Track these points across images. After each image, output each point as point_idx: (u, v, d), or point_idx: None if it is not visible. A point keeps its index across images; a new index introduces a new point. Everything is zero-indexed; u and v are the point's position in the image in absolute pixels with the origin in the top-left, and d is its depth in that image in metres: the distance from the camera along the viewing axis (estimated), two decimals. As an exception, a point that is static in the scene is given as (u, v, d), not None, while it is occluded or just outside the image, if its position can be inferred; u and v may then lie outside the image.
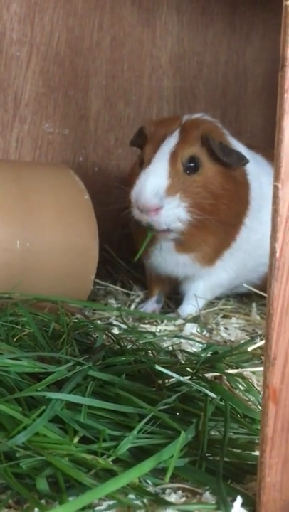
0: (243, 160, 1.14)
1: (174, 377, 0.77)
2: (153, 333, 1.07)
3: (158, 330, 1.12)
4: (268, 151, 1.25)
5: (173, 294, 1.30)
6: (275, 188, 0.54)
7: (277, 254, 0.54)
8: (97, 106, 1.44)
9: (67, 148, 1.41)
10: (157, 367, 0.76)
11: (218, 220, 1.12)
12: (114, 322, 1.12)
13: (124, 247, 1.41)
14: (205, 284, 1.22)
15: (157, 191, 1.08)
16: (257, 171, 1.22)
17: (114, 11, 1.44)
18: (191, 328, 1.12)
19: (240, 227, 1.18)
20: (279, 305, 0.54)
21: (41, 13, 1.35)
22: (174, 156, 1.11)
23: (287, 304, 0.54)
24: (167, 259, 1.18)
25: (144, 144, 1.17)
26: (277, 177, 0.54)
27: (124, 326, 1.10)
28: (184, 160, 1.11)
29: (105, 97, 1.45)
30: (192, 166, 1.12)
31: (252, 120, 1.65)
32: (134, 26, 1.47)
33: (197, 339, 1.06)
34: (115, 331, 1.08)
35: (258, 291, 1.22)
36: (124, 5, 1.45)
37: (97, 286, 1.32)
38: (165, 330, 1.13)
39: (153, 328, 1.12)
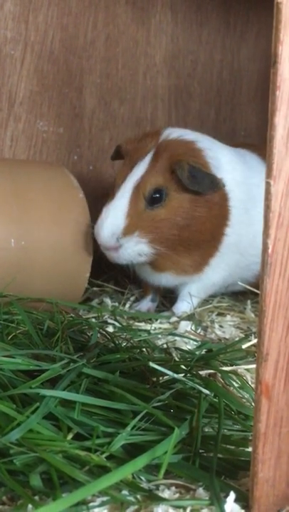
0: (216, 185, 1.12)
1: (168, 375, 0.78)
2: (148, 331, 1.08)
3: (153, 328, 1.12)
4: (264, 149, 1.23)
5: (168, 293, 1.30)
6: (267, 185, 0.54)
7: (270, 250, 0.54)
8: (91, 104, 1.44)
9: (62, 147, 1.41)
10: (151, 364, 0.76)
11: (188, 244, 1.14)
12: (109, 320, 1.12)
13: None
14: (198, 285, 1.23)
15: (114, 232, 1.10)
16: (244, 174, 1.21)
17: (108, 9, 1.44)
18: (186, 326, 1.12)
19: (222, 237, 1.18)
20: (271, 301, 0.54)
21: (35, 12, 1.35)
22: (137, 189, 1.11)
23: (279, 299, 0.55)
24: (150, 276, 1.20)
25: (123, 161, 1.18)
26: (269, 174, 0.54)
27: (118, 325, 1.11)
28: (148, 193, 1.11)
29: (100, 95, 1.45)
30: (157, 197, 1.11)
31: (247, 118, 1.65)
32: (128, 25, 1.47)
33: (191, 337, 1.06)
34: (110, 329, 1.08)
35: (252, 289, 1.23)
36: (119, 3, 1.45)
37: (93, 285, 1.32)
38: (160, 328, 1.13)
39: (148, 326, 1.13)
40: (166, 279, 1.20)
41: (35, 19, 1.35)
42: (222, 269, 1.22)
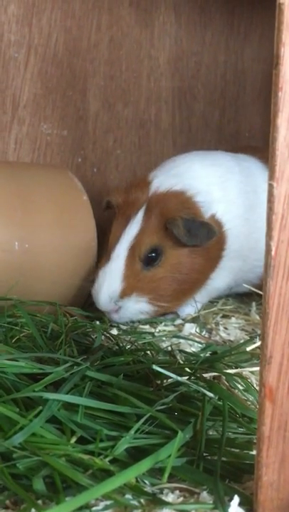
0: (213, 233, 1.10)
1: (172, 377, 0.77)
2: (152, 334, 1.07)
3: (157, 330, 1.12)
4: (266, 151, 1.22)
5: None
6: (270, 187, 0.53)
7: (273, 253, 0.53)
8: (95, 107, 1.44)
9: (66, 150, 1.41)
10: (155, 367, 0.76)
11: (189, 291, 1.14)
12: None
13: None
14: (202, 292, 1.22)
15: (111, 296, 1.09)
16: (239, 187, 1.20)
17: (112, 11, 1.44)
18: (190, 329, 1.12)
19: (219, 259, 1.17)
20: (275, 303, 0.54)
21: (39, 15, 1.35)
22: (132, 250, 1.10)
23: (283, 302, 0.54)
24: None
25: (114, 214, 1.16)
26: (271, 176, 0.53)
27: (123, 327, 1.11)
28: (143, 254, 1.10)
29: (104, 98, 1.45)
30: (153, 256, 1.10)
31: (251, 120, 1.65)
32: (132, 27, 1.47)
33: (196, 339, 1.06)
34: (114, 331, 1.08)
35: (257, 291, 1.22)
36: (122, 6, 1.45)
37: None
38: (164, 330, 1.13)
39: (152, 329, 1.12)
40: None
41: (39, 22, 1.35)
42: (225, 276, 1.22)
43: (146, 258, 1.10)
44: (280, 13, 0.52)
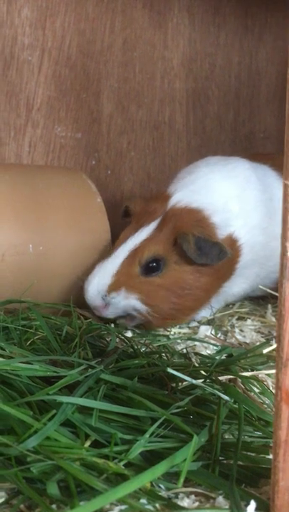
0: (224, 254, 1.07)
1: (186, 380, 0.76)
2: (167, 336, 1.07)
3: (172, 333, 1.11)
4: (278, 159, 1.20)
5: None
6: (285, 187, 0.53)
7: (289, 254, 0.53)
8: (109, 109, 1.44)
9: (80, 152, 1.41)
10: (169, 370, 0.75)
11: (192, 307, 1.11)
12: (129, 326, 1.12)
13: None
14: (218, 296, 1.21)
15: (99, 291, 1.07)
16: (255, 197, 1.18)
17: (125, 13, 1.43)
18: (206, 331, 1.11)
19: (232, 271, 1.15)
20: (291, 305, 0.53)
21: (52, 17, 1.35)
22: (134, 253, 1.08)
23: (299, 304, 0.53)
24: None
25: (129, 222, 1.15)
26: (287, 175, 0.53)
27: (137, 330, 1.10)
28: (144, 260, 1.07)
29: (117, 100, 1.45)
30: (154, 266, 1.08)
31: (266, 121, 1.64)
32: (145, 29, 1.46)
33: (211, 341, 1.05)
34: (129, 334, 1.07)
35: (273, 292, 1.21)
36: (136, 7, 1.45)
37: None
38: (179, 332, 1.12)
39: (167, 332, 1.12)
40: None
41: (53, 25, 1.35)
42: (241, 282, 1.21)
43: (146, 265, 1.07)
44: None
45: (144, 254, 1.08)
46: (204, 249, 1.06)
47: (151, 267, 1.08)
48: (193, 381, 0.75)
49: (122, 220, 1.20)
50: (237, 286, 1.21)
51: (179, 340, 1.04)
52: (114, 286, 1.07)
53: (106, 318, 1.10)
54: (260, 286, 1.23)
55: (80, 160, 1.41)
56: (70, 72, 1.38)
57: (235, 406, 0.73)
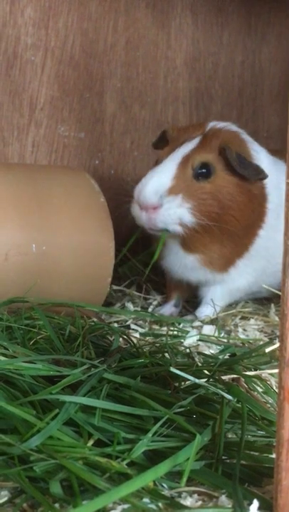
0: (260, 174, 1.12)
1: (189, 380, 0.76)
2: (170, 336, 1.06)
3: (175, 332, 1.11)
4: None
5: (191, 298, 1.29)
6: (287, 185, 0.53)
7: (291, 253, 0.53)
8: (112, 109, 1.44)
9: (83, 152, 1.41)
10: (172, 369, 0.75)
11: (224, 229, 1.12)
12: (132, 326, 1.12)
13: (140, 249, 1.40)
14: (222, 288, 1.21)
15: (158, 189, 1.08)
16: (278, 179, 1.20)
17: (128, 13, 1.43)
18: (209, 331, 1.11)
19: (254, 238, 1.17)
20: (293, 304, 0.53)
21: (55, 17, 1.35)
22: (186, 159, 1.11)
23: (301, 303, 0.53)
24: (176, 260, 1.17)
25: (164, 147, 1.17)
26: (289, 174, 0.53)
27: (141, 330, 1.10)
28: (196, 165, 1.11)
29: (120, 99, 1.45)
30: (204, 172, 1.11)
31: (269, 120, 1.63)
32: (148, 28, 1.46)
33: (213, 340, 1.05)
34: (133, 333, 1.07)
35: (277, 291, 1.21)
36: (139, 7, 1.45)
37: (115, 291, 1.31)
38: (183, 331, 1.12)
39: (171, 332, 1.11)
40: (191, 269, 1.17)
41: (56, 24, 1.35)
42: (248, 273, 1.21)
43: (198, 170, 1.11)
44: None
45: (196, 158, 1.11)
46: (244, 163, 1.11)
47: (202, 173, 1.11)
48: (196, 380, 0.75)
49: (153, 149, 1.24)
50: (243, 278, 1.20)
51: (182, 340, 1.04)
52: (173, 190, 1.09)
53: (149, 228, 1.11)
54: (264, 286, 1.23)
55: (83, 160, 1.41)
56: (73, 72, 1.38)
57: (239, 405, 0.73)
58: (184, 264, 1.17)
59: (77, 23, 1.38)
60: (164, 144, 1.19)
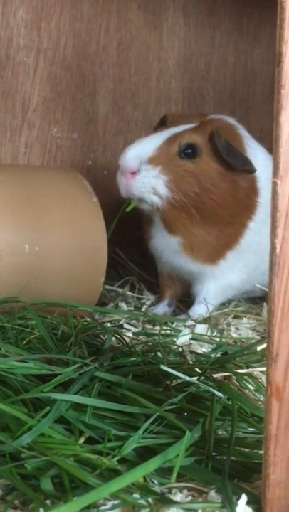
0: (247, 166, 1.13)
1: (180, 378, 0.77)
2: (163, 335, 1.07)
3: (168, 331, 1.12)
4: None
5: (184, 297, 1.29)
6: (274, 184, 0.53)
7: (278, 251, 0.53)
8: (105, 109, 1.45)
9: (76, 153, 1.42)
10: (163, 367, 0.76)
11: (204, 212, 1.13)
12: (126, 325, 1.12)
13: (134, 249, 1.41)
14: (215, 285, 1.22)
15: (139, 155, 1.11)
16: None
17: (120, 14, 1.44)
18: (202, 330, 1.11)
19: (243, 229, 1.18)
20: (280, 301, 0.54)
21: (48, 19, 1.35)
22: (174, 136, 1.13)
23: (288, 300, 0.54)
24: (161, 241, 1.19)
25: None
26: (275, 173, 0.53)
27: (134, 329, 1.10)
28: (182, 144, 1.13)
29: (113, 100, 1.45)
30: (189, 152, 1.13)
31: (261, 120, 1.64)
32: (140, 29, 1.47)
33: (205, 339, 1.06)
34: (126, 332, 1.08)
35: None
36: (131, 9, 1.45)
37: (108, 291, 1.32)
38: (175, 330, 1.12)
39: (163, 331, 1.12)
40: (174, 252, 1.18)
41: (48, 26, 1.36)
42: (240, 269, 1.21)
43: (184, 148, 1.12)
44: (282, 11, 0.52)
45: (185, 138, 1.13)
46: (232, 152, 1.12)
47: (188, 153, 1.13)
48: (187, 378, 0.76)
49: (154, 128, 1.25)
50: (235, 273, 1.21)
51: (174, 339, 1.05)
52: (153, 160, 1.11)
53: (126, 193, 1.12)
54: (257, 285, 1.24)
55: (76, 160, 1.42)
56: (65, 73, 1.39)
57: (229, 403, 0.74)
58: (166, 245, 1.18)
59: (69, 24, 1.38)
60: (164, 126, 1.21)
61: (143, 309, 1.25)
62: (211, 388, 0.75)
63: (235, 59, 1.60)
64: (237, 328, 1.16)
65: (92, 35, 1.41)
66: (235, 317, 1.23)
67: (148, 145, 1.13)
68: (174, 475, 0.58)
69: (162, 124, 1.23)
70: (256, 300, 1.34)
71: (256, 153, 1.20)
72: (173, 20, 1.51)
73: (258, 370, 0.89)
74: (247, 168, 1.14)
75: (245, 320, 1.20)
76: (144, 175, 1.11)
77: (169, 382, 0.80)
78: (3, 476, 0.60)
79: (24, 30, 1.33)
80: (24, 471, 0.59)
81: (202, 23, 1.55)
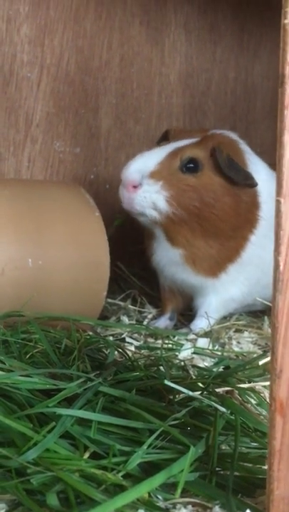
0: (248, 180, 1.14)
1: (184, 392, 0.78)
2: (166, 349, 1.07)
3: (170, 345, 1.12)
4: None
5: (186, 311, 1.30)
6: (278, 203, 0.54)
7: (281, 268, 0.54)
8: (107, 124, 1.46)
9: (79, 167, 1.43)
10: (167, 382, 0.76)
11: (205, 226, 1.13)
12: (128, 339, 1.13)
13: (135, 262, 1.41)
14: (216, 299, 1.22)
15: (141, 169, 1.12)
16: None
17: (122, 30, 1.46)
18: (204, 344, 1.12)
19: (245, 243, 1.18)
20: (284, 317, 0.55)
21: (51, 35, 1.37)
22: (176, 151, 1.14)
23: (292, 317, 0.55)
24: (163, 253, 1.19)
25: None
26: (279, 192, 0.54)
27: (136, 343, 1.11)
28: (184, 158, 1.13)
29: (115, 115, 1.47)
30: (191, 166, 1.13)
31: (262, 135, 1.66)
32: (142, 45, 1.49)
33: (207, 353, 1.06)
34: (128, 346, 1.08)
35: (270, 304, 1.22)
36: (133, 25, 1.47)
37: (110, 304, 1.33)
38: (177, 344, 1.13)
39: (165, 345, 1.12)
40: (176, 266, 1.18)
41: (51, 42, 1.37)
42: (241, 283, 1.22)
43: (186, 163, 1.13)
44: (285, 33, 0.53)
45: (186, 152, 1.13)
46: (233, 166, 1.13)
47: (189, 168, 1.13)
48: (190, 393, 0.77)
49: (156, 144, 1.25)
50: (236, 286, 1.21)
51: (176, 353, 1.05)
52: (155, 175, 1.12)
53: (129, 211, 1.14)
54: (258, 298, 1.24)
55: (78, 175, 1.43)
56: (68, 89, 1.40)
57: (232, 417, 0.74)
58: (168, 258, 1.19)
59: (72, 40, 1.40)
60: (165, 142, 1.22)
61: (145, 323, 1.25)
62: (214, 403, 0.75)
63: (235, 75, 1.62)
64: (238, 342, 1.17)
65: (94, 51, 1.43)
66: (237, 331, 1.23)
67: (150, 159, 1.14)
68: (179, 491, 0.59)
69: (165, 138, 1.24)
70: (257, 313, 1.35)
71: (258, 168, 1.21)
72: (174, 36, 1.53)
73: (260, 385, 0.90)
74: (248, 183, 1.15)
75: (246, 334, 1.21)
76: (146, 189, 1.12)
77: (171, 397, 0.80)
78: (9, 491, 0.61)
79: (28, 46, 1.35)
80: (30, 487, 0.60)
81: (203, 39, 1.56)
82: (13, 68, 1.34)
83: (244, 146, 1.23)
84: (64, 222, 1.15)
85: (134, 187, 1.12)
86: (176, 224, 1.13)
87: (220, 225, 1.14)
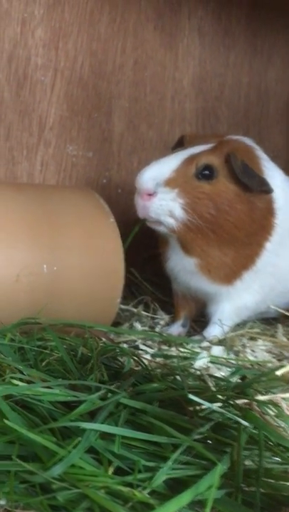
0: (264, 186, 1.13)
1: (206, 406, 0.77)
2: (180, 357, 1.07)
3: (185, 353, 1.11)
4: None
5: (199, 317, 1.29)
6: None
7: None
8: (120, 128, 1.45)
9: (91, 171, 1.42)
10: (190, 396, 0.75)
11: (221, 233, 1.13)
12: (141, 346, 1.12)
13: (148, 268, 1.41)
14: (230, 306, 1.21)
15: (156, 177, 1.11)
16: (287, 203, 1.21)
17: (136, 34, 1.45)
18: (218, 352, 1.11)
19: (260, 250, 1.17)
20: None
21: (65, 38, 1.36)
22: (192, 158, 1.13)
23: None
24: (178, 261, 1.19)
25: None
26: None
27: (150, 350, 1.10)
28: (200, 165, 1.12)
29: (128, 119, 1.46)
30: (206, 173, 1.13)
31: (275, 140, 1.65)
32: (156, 50, 1.48)
33: (223, 362, 1.05)
34: (143, 354, 1.07)
35: (285, 312, 1.22)
36: (147, 29, 1.46)
37: (123, 311, 1.32)
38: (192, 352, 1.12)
39: (180, 353, 1.12)
40: (191, 274, 1.18)
41: (65, 45, 1.36)
42: (255, 290, 1.21)
43: (201, 169, 1.12)
44: None
45: (202, 159, 1.13)
46: (248, 173, 1.12)
47: (205, 174, 1.12)
48: (213, 407, 0.76)
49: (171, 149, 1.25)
50: (250, 294, 1.21)
51: (192, 362, 1.05)
52: (170, 182, 1.11)
53: (144, 219, 1.13)
54: (272, 306, 1.24)
55: (91, 179, 1.42)
56: (82, 92, 1.40)
57: (254, 431, 0.73)
58: (183, 266, 1.18)
59: (86, 44, 1.39)
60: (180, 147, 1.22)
61: (157, 329, 1.25)
62: (236, 417, 0.74)
63: (249, 79, 1.61)
64: (253, 351, 1.16)
65: (108, 54, 1.42)
66: (251, 339, 1.22)
67: (165, 166, 1.13)
68: (208, 509, 0.58)
69: (180, 144, 1.23)
70: (270, 321, 1.34)
71: (273, 175, 1.20)
72: (188, 40, 1.52)
73: (279, 397, 0.89)
74: (264, 189, 1.14)
75: (260, 342, 1.20)
76: (162, 197, 1.11)
77: (191, 408, 0.79)
78: (33, 507, 0.60)
79: (42, 49, 1.34)
80: (55, 503, 0.59)
81: (217, 44, 1.56)
82: (27, 72, 1.33)
83: (259, 153, 1.22)
84: (79, 228, 1.14)
85: (149, 195, 1.11)
86: (191, 232, 1.12)
87: (235, 233, 1.14)
